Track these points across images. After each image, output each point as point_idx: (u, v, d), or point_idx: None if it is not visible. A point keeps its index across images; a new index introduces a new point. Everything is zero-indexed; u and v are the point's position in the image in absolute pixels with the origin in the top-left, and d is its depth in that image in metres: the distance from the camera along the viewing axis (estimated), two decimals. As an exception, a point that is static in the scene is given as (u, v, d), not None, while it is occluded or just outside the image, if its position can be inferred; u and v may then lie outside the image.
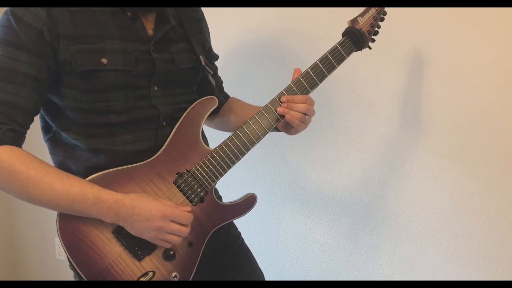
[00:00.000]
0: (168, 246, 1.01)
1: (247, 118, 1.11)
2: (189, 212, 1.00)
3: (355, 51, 1.15)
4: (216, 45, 1.28)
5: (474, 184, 1.38)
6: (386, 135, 1.49)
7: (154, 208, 0.95)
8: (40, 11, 0.92)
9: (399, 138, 1.47)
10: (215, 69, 1.26)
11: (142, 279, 0.99)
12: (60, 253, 2.38)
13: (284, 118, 1.08)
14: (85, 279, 0.97)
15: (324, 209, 1.64)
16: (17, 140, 0.93)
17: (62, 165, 1.04)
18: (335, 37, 1.14)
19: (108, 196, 0.94)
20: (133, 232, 0.97)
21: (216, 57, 1.27)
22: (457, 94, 1.36)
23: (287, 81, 1.11)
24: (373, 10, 1.15)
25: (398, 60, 1.41)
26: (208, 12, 1.23)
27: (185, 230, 0.99)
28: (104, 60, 0.96)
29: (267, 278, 1.32)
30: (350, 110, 1.53)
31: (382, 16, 1.17)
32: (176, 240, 0.99)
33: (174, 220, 0.97)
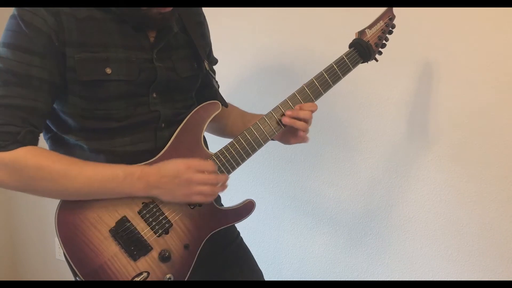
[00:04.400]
0: (202, 200, 1.02)
1: (239, 123, 1.12)
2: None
3: (361, 62, 1.15)
4: (216, 47, 1.28)
5: (474, 184, 1.38)
6: (386, 136, 1.49)
7: (178, 164, 0.99)
8: (48, 16, 0.92)
9: (399, 139, 1.47)
10: (214, 73, 1.26)
11: (136, 279, 1.00)
12: (60, 253, 2.37)
13: (285, 127, 1.09)
14: (80, 276, 0.98)
15: (324, 209, 1.64)
16: (35, 140, 0.95)
17: None
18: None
19: (136, 168, 0.98)
20: (167, 196, 1.00)
21: (215, 61, 1.27)
22: (457, 95, 1.35)
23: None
24: (381, 23, 1.15)
25: (398, 61, 1.41)
26: (208, 13, 1.23)
27: (214, 177, 1.01)
28: (108, 70, 0.97)
29: (267, 278, 1.32)
30: (350, 111, 1.53)
31: (390, 29, 1.18)
32: (208, 190, 1.01)
33: (199, 170, 1.00)
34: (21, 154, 0.91)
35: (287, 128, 1.10)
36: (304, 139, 1.12)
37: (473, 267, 1.42)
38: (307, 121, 1.10)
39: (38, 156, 0.92)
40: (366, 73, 1.36)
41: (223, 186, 1.06)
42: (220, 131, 1.29)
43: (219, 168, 1.07)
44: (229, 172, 1.08)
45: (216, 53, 1.27)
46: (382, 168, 1.52)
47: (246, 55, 1.68)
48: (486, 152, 1.34)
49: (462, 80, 1.34)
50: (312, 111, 1.10)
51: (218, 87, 1.28)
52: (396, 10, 1.20)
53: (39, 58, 0.92)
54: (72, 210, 0.97)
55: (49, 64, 0.93)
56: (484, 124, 1.33)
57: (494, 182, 1.35)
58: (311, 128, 1.14)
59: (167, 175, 0.98)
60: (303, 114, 1.08)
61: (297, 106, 1.09)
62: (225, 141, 1.10)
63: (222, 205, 1.20)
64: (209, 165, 1.03)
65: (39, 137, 0.98)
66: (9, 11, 0.96)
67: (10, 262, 2.53)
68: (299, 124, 1.08)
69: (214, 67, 1.25)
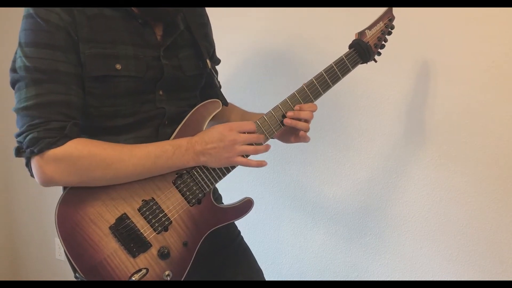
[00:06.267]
0: (245, 162, 1.04)
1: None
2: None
3: (361, 63, 1.16)
4: (216, 47, 1.28)
5: (474, 184, 1.37)
6: (385, 136, 1.49)
7: (220, 128, 1.02)
8: (62, 12, 0.93)
9: (399, 139, 1.47)
10: (216, 73, 1.27)
11: (135, 275, 1.00)
12: (60, 253, 2.38)
13: (285, 126, 1.10)
14: (80, 272, 0.98)
15: (324, 209, 1.64)
16: (80, 132, 0.97)
17: None
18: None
19: (181, 140, 1.02)
20: (214, 162, 1.03)
21: (218, 61, 1.28)
22: (457, 95, 1.35)
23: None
24: (381, 24, 1.16)
25: (399, 60, 1.41)
26: (209, 12, 1.23)
27: (255, 136, 1.04)
28: (118, 66, 0.98)
29: (267, 278, 1.32)
30: (350, 110, 1.53)
31: (389, 30, 1.18)
32: (251, 150, 1.03)
33: (241, 130, 1.02)
34: (73, 147, 0.92)
35: (287, 127, 1.11)
36: (305, 139, 1.13)
37: (473, 267, 1.42)
38: (308, 121, 1.10)
39: (89, 146, 0.94)
40: (366, 72, 1.36)
41: (267, 146, 1.07)
42: None
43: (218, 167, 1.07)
44: (228, 171, 1.09)
45: (216, 53, 1.28)
46: (382, 168, 1.52)
47: (246, 55, 1.68)
48: (487, 152, 1.34)
49: (462, 80, 1.34)
50: (312, 111, 1.10)
51: (220, 87, 1.29)
52: (395, 10, 1.21)
53: (62, 53, 0.93)
54: (72, 207, 0.98)
55: (72, 57, 0.94)
56: (485, 124, 1.33)
57: (494, 182, 1.35)
58: (311, 128, 1.15)
59: (212, 140, 1.01)
60: (304, 114, 1.08)
61: (297, 107, 1.09)
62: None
63: (222, 203, 1.21)
64: (249, 125, 1.04)
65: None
66: (9, 11, 0.96)
67: (10, 262, 2.53)
68: (301, 125, 1.09)
69: (217, 67, 1.26)
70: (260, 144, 1.06)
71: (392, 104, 1.46)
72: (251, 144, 1.04)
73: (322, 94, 1.12)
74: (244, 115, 1.26)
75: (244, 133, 1.03)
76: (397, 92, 1.45)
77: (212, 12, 1.24)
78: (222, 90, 1.26)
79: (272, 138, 1.13)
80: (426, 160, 1.43)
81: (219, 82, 1.29)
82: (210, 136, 1.02)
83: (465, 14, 1.30)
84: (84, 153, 0.93)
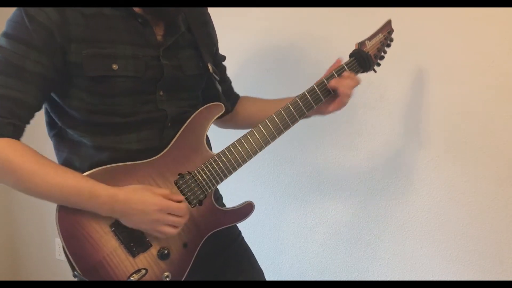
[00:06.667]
0: (164, 237, 1.02)
1: (263, 112, 1.13)
2: (181, 201, 1.03)
3: (361, 72, 1.16)
4: (222, 47, 1.28)
5: (473, 184, 1.37)
6: (385, 136, 1.49)
7: (150, 201, 0.97)
8: (53, 12, 0.92)
9: (399, 139, 1.47)
10: (223, 70, 1.27)
11: (134, 275, 1.00)
12: (60, 253, 2.38)
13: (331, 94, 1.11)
14: (78, 270, 0.98)
15: (324, 209, 1.64)
16: (16, 133, 0.94)
17: (66, 162, 1.04)
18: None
19: (102, 191, 0.95)
20: (129, 225, 0.99)
21: (223, 58, 1.28)
22: (457, 95, 1.35)
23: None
24: (380, 35, 1.18)
25: (399, 61, 1.41)
26: (214, 12, 1.23)
27: (182, 221, 1.01)
28: (115, 66, 0.97)
29: (267, 278, 1.31)
30: (350, 110, 1.52)
31: (388, 42, 1.20)
32: (173, 231, 1.00)
33: (170, 213, 0.99)
34: None
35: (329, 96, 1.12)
36: (342, 104, 1.13)
37: (473, 267, 1.41)
38: (350, 87, 1.11)
39: (10, 151, 0.90)
40: (368, 74, 1.36)
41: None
42: (244, 124, 1.29)
43: (220, 169, 1.07)
44: (230, 173, 1.08)
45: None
46: (382, 169, 1.52)
47: (246, 55, 1.68)
48: (486, 153, 1.34)
49: (463, 80, 1.34)
50: (354, 85, 1.12)
51: (231, 82, 1.29)
52: (395, 10, 1.21)
53: (36, 52, 0.91)
54: None
55: (45, 59, 0.92)
56: (485, 124, 1.33)
57: (494, 182, 1.35)
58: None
59: (136, 208, 0.96)
60: (347, 82, 1.10)
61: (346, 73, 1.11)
62: (228, 142, 1.10)
63: (224, 205, 1.21)
64: (181, 209, 1.01)
65: (32, 132, 0.97)
66: (10, 11, 0.96)
67: (10, 262, 2.53)
68: (343, 89, 1.09)
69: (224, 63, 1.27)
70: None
71: (392, 104, 1.46)
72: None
73: (323, 101, 1.13)
74: (256, 104, 1.27)
75: (173, 214, 0.99)
76: (397, 92, 1.44)
77: (212, 12, 1.24)
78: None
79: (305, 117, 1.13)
80: (426, 161, 1.43)
81: (228, 78, 1.29)
82: (136, 202, 0.96)
83: (465, 14, 1.30)
84: (1, 157, 0.89)
